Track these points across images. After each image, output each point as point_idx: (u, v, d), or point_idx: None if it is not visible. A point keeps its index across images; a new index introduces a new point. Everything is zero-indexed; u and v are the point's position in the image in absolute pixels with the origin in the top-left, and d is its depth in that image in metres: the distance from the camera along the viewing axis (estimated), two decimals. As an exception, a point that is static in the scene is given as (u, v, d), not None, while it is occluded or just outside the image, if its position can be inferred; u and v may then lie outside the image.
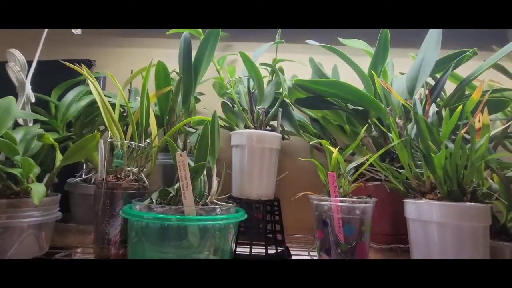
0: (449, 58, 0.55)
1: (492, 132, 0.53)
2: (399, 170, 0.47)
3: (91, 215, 0.48)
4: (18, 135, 0.47)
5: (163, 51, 0.83)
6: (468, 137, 0.43)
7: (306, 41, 0.63)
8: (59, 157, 0.49)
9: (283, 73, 0.66)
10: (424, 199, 0.42)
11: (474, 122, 0.41)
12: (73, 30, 0.78)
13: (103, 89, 0.77)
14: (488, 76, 0.59)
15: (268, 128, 0.61)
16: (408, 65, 0.57)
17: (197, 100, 0.76)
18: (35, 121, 0.55)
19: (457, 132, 0.43)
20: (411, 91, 0.53)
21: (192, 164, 0.43)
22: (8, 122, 0.43)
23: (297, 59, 0.71)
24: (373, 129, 0.59)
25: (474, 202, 0.39)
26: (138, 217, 0.38)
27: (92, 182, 0.61)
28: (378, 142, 0.57)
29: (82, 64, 0.52)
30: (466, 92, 0.57)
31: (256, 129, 0.57)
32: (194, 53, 0.60)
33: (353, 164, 0.47)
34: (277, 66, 0.66)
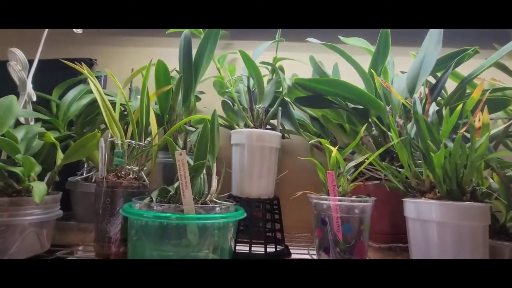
0: (450, 57, 0.54)
1: (493, 131, 0.53)
2: (398, 169, 0.47)
3: (92, 214, 0.48)
4: (19, 133, 0.47)
5: (165, 50, 0.83)
6: (469, 136, 0.42)
7: (306, 39, 0.62)
8: (60, 155, 0.49)
9: (283, 71, 0.66)
10: (423, 198, 0.42)
11: (474, 121, 0.41)
12: (74, 29, 0.79)
13: (104, 88, 0.78)
14: (489, 74, 0.58)
15: (268, 127, 0.61)
16: (409, 64, 0.56)
17: (198, 99, 0.76)
18: (37, 120, 0.55)
19: (458, 131, 0.43)
20: (411, 90, 0.53)
21: (192, 163, 0.44)
22: (9, 121, 0.43)
23: (297, 57, 0.70)
24: (373, 128, 0.59)
25: (473, 201, 0.39)
26: (138, 216, 0.39)
27: (93, 180, 0.61)
28: (378, 141, 0.57)
29: (82, 63, 0.52)
30: (467, 91, 0.57)
31: (256, 128, 0.57)
32: (194, 51, 0.60)
33: (352, 163, 0.47)
34: (278, 64, 0.66)
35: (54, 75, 0.64)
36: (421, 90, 0.56)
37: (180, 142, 0.63)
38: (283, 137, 0.69)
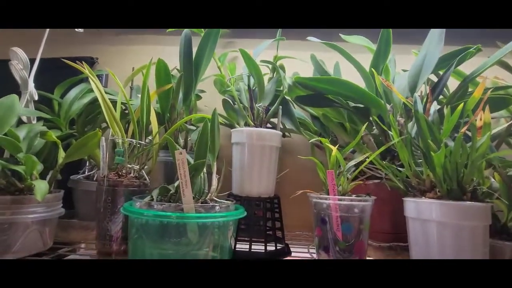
0: (453, 55, 0.54)
1: (495, 130, 0.52)
2: (399, 168, 0.47)
3: (94, 212, 0.48)
4: (21, 132, 0.47)
5: (167, 48, 0.83)
6: (470, 135, 0.42)
7: (307, 38, 0.62)
8: (61, 154, 0.49)
9: (284, 70, 0.66)
10: (423, 197, 0.42)
11: (476, 120, 0.41)
12: (76, 29, 0.79)
13: (105, 86, 0.78)
14: (492, 73, 0.58)
15: (268, 125, 0.61)
16: (410, 62, 0.56)
17: (198, 97, 0.76)
18: (39, 119, 0.56)
19: (459, 130, 0.43)
20: (412, 89, 0.53)
21: (192, 161, 0.44)
22: (11, 120, 0.44)
23: (298, 56, 0.70)
24: (374, 127, 0.58)
25: (474, 201, 0.39)
26: (138, 214, 0.39)
27: (94, 179, 0.62)
28: (379, 140, 0.57)
29: (83, 62, 0.52)
30: (470, 89, 0.57)
31: (256, 127, 0.57)
32: (195, 50, 0.60)
33: (352, 162, 0.47)
34: (278, 63, 0.66)
35: (56, 74, 0.64)
36: (423, 89, 0.56)
37: (181, 141, 0.64)
38: (283, 136, 0.69)
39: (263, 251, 0.49)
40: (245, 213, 0.44)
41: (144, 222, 0.39)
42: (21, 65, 0.51)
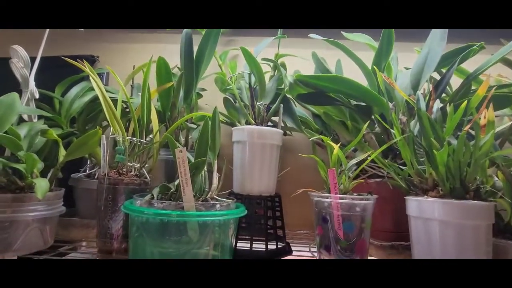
0: (455, 52, 0.53)
1: (499, 128, 0.52)
2: (401, 167, 0.47)
3: (95, 210, 0.48)
4: (22, 130, 0.47)
5: (168, 46, 0.83)
6: (473, 133, 0.42)
7: (309, 35, 0.62)
8: (62, 152, 0.49)
9: (285, 68, 0.66)
10: (426, 196, 0.42)
11: (479, 118, 0.40)
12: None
13: (106, 84, 0.78)
14: (495, 71, 0.57)
15: (269, 124, 0.60)
16: (413, 60, 0.56)
17: (199, 96, 0.76)
18: (40, 117, 0.56)
19: (462, 128, 0.42)
20: (415, 87, 0.52)
21: (192, 160, 0.43)
22: (11, 118, 0.44)
23: (300, 54, 0.70)
24: (376, 125, 0.58)
25: (477, 200, 0.39)
26: (139, 213, 0.39)
27: (95, 177, 0.62)
28: (381, 138, 0.56)
29: (84, 60, 0.52)
30: (473, 87, 0.56)
31: (257, 125, 0.56)
32: (196, 48, 0.60)
33: (354, 161, 0.47)
34: (280, 61, 0.66)
35: (57, 72, 0.64)
36: (425, 87, 0.56)
37: (182, 140, 0.63)
38: (284, 134, 0.69)
39: (264, 249, 0.49)
40: (246, 212, 0.44)
41: (145, 221, 0.38)
42: (22, 63, 0.51)
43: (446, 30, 0.51)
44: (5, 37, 0.76)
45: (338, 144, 0.47)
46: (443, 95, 0.58)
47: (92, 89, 0.63)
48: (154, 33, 0.84)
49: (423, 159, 0.44)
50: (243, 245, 0.49)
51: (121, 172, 0.49)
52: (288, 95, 0.61)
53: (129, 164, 0.50)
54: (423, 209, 0.40)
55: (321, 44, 0.62)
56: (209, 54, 0.61)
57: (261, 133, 0.53)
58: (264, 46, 0.63)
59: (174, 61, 0.65)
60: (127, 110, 0.63)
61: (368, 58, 0.57)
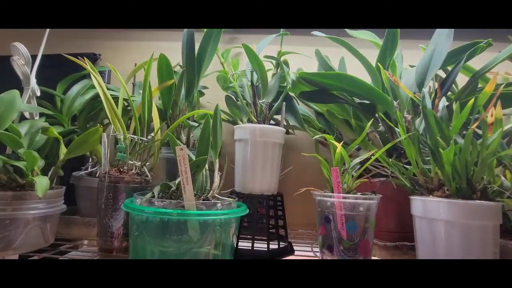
0: (462, 50, 0.52)
1: (507, 127, 0.51)
2: (406, 166, 0.46)
3: (96, 208, 0.48)
4: (23, 128, 0.47)
5: (170, 44, 0.82)
6: (480, 132, 0.41)
7: (312, 33, 0.61)
8: (63, 150, 0.49)
9: (287, 66, 0.65)
10: (431, 196, 0.41)
11: (487, 116, 0.39)
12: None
13: (108, 82, 0.78)
14: (503, 68, 0.56)
15: (272, 122, 0.60)
16: (418, 57, 0.55)
17: (201, 94, 0.75)
18: (41, 115, 0.56)
19: (468, 127, 0.41)
20: (420, 84, 0.51)
21: (194, 158, 0.43)
22: (12, 115, 0.43)
23: (302, 51, 0.69)
24: (380, 124, 0.57)
25: (484, 200, 0.38)
26: (139, 211, 0.38)
27: (97, 175, 0.62)
28: (385, 137, 0.56)
29: (85, 58, 0.52)
30: (479, 85, 0.55)
31: (259, 123, 0.56)
32: (198, 45, 0.59)
33: (357, 160, 0.46)
34: (282, 59, 0.65)
35: (59, 70, 0.64)
36: (431, 85, 0.55)
37: (183, 138, 0.63)
38: (287, 132, 0.68)
39: (266, 249, 0.48)
40: (247, 211, 0.44)
41: (145, 219, 0.38)
42: (23, 60, 0.50)
43: (453, 27, 0.50)
44: (6, 36, 0.75)
45: (341, 143, 0.46)
46: (449, 93, 0.57)
47: (93, 87, 0.63)
48: (156, 30, 0.84)
49: (428, 158, 0.43)
50: (244, 244, 0.49)
51: (122, 170, 0.48)
52: (290, 93, 0.61)
53: (130, 162, 0.49)
54: (428, 209, 0.39)
55: (325, 41, 0.61)
56: (211, 51, 0.60)
57: (263, 131, 0.52)
58: (267, 43, 0.62)
59: (177, 59, 0.64)
60: (129, 108, 0.63)
61: (372, 56, 0.56)
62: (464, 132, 0.45)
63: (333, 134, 0.63)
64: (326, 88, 0.56)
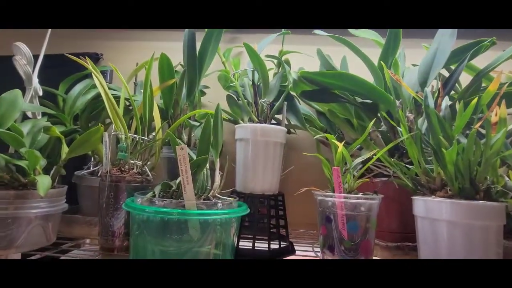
0: (465, 49, 0.52)
1: (511, 126, 0.50)
2: (408, 166, 0.46)
3: (97, 207, 0.48)
4: (25, 127, 0.47)
5: (172, 43, 0.82)
6: (484, 132, 0.40)
7: (313, 31, 0.61)
8: (65, 149, 0.49)
9: (289, 65, 0.65)
10: (433, 196, 0.40)
11: (490, 115, 0.39)
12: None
13: (110, 82, 0.78)
14: (507, 67, 0.55)
15: (273, 121, 0.60)
16: (421, 56, 0.54)
17: (203, 93, 0.75)
18: (44, 114, 0.56)
19: (472, 126, 0.41)
20: (423, 83, 0.51)
21: (195, 157, 0.43)
22: (14, 115, 0.43)
23: (304, 51, 0.69)
24: (382, 123, 0.57)
25: (487, 200, 0.37)
26: (140, 211, 0.38)
27: (98, 174, 0.62)
28: (387, 137, 0.55)
29: (87, 58, 0.52)
30: (483, 85, 0.54)
31: (260, 123, 0.56)
32: (199, 45, 0.59)
33: (359, 159, 0.46)
34: (284, 58, 0.65)
35: (61, 69, 0.64)
36: (434, 84, 0.54)
37: (185, 137, 0.63)
38: (288, 132, 0.68)
39: (267, 249, 0.48)
40: (248, 211, 0.43)
41: (145, 219, 0.38)
42: (25, 60, 0.51)
43: (456, 25, 0.50)
44: (8, 36, 0.76)
45: (343, 142, 0.46)
46: (452, 92, 0.56)
47: (95, 86, 0.63)
48: (158, 30, 0.84)
49: (431, 158, 0.42)
50: (245, 244, 0.48)
51: (123, 169, 0.48)
52: (292, 93, 0.60)
53: (131, 161, 0.49)
54: (430, 209, 0.39)
55: (327, 40, 0.61)
56: (212, 51, 0.60)
57: (264, 131, 0.52)
58: (268, 42, 0.62)
59: (178, 59, 0.64)
60: (130, 107, 0.63)
61: (374, 55, 0.56)
62: (468, 132, 0.44)
63: (335, 134, 0.63)
64: (327, 87, 0.56)
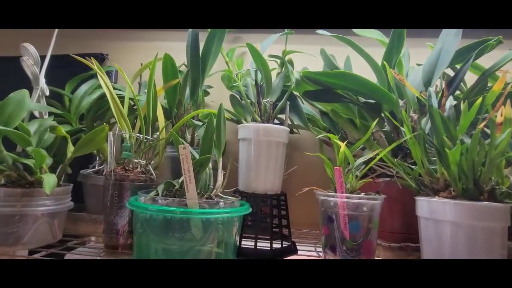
0: (471, 48, 0.51)
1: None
2: (411, 166, 0.45)
3: (102, 206, 0.49)
4: (32, 127, 0.48)
5: (175, 44, 0.83)
6: (488, 132, 0.40)
7: (317, 31, 0.60)
8: (70, 148, 0.50)
9: (292, 65, 0.65)
10: (437, 197, 0.40)
11: (495, 115, 0.38)
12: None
13: (115, 82, 0.79)
14: (514, 66, 0.54)
15: (276, 121, 0.60)
16: (425, 56, 0.54)
17: (206, 93, 0.76)
18: (50, 114, 0.57)
19: (476, 126, 0.40)
20: (427, 83, 0.50)
21: (197, 157, 0.43)
22: (21, 114, 0.44)
23: (307, 50, 0.68)
24: (385, 123, 0.56)
25: (492, 201, 0.37)
26: (143, 209, 0.39)
27: (103, 173, 0.63)
28: (391, 137, 0.55)
29: (93, 58, 0.52)
30: (489, 84, 0.54)
31: (263, 123, 0.56)
32: (202, 45, 0.60)
33: (361, 159, 0.46)
34: (287, 58, 0.65)
35: (68, 69, 0.65)
36: (438, 84, 0.54)
37: (188, 137, 0.63)
38: (291, 132, 0.68)
39: (269, 248, 0.48)
40: (250, 210, 0.44)
41: (148, 217, 0.39)
42: (32, 60, 0.52)
43: (461, 24, 0.49)
44: (16, 36, 0.77)
45: (345, 142, 0.46)
46: (457, 92, 0.55)
47: (100, 86, 0.64)
48: (162, 31, 0.85)
49: (434, 158, 0.42)
50: (248, 243, 0.49)
51: (127, 168, 0.49)
52: (295, 92, 0.60)
53: (135, 160, 0.50)
54: (433, 210, 0.39)
55: (330, 40, 0.60)
56: (215, 51, 0.60)
57: (267, 131, 0.52)
58: (271, 42, 0.62)
59: (182, 59, 0.65)
60: (135, 107, 0.64)
61: (378, 54, 0.56)
62: (472, 132, 0.44)
63: (338, 134, 0.63)
64: (330, 87, 0.56)
